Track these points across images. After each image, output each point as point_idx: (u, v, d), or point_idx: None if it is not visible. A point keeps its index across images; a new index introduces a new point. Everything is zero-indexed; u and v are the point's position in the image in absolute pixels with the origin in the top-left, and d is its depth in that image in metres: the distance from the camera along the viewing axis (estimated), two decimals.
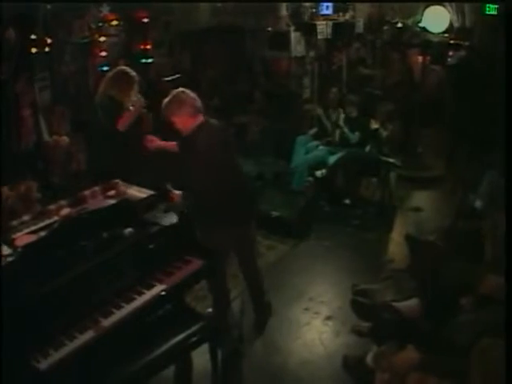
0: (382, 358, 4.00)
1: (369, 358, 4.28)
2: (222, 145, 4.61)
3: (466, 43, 10.72)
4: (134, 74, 5.44)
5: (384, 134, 7.97)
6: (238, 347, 4.71)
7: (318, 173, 7.77)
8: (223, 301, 4.94)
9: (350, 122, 8.11)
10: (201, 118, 4.59)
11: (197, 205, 4.55)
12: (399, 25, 11.25)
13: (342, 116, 8.18)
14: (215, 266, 3.87)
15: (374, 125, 8.00)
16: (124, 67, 5.65)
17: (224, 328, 4.74)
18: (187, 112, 4.54)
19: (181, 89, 4.69)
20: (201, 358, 4.03)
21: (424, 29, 9.14)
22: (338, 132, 8.19)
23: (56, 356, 2.90)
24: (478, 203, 6.43)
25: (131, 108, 5.33)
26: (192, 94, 4.62)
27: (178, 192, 4.73)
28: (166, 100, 4.62)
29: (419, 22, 9.22)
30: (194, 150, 4.49)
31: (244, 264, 5.06)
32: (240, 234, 4.82)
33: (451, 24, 9.83)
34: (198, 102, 4.61)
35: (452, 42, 10.88)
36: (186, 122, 4.56)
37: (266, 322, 5.22)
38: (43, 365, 2.83)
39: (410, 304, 4.54)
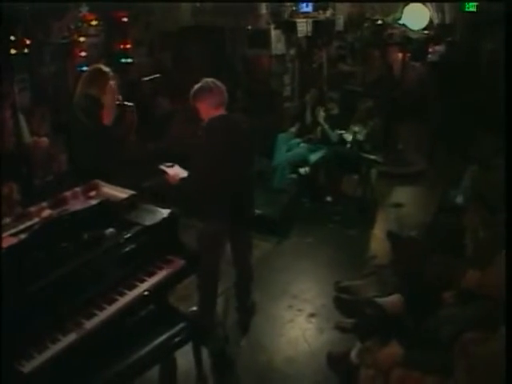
0: (366, 353, 4.02)
1: (353, 354, 4.29)
2: (237, 141, 4.62)
3: (446, 40, 10.79)
4: (107, 70, 5.46)
5: (364, 131, 7.99)
6: (223, 347, 4.71)
7: (302, 170, 7.79)
8: (210, 299, 4.94)
9: (331, 119, 8.13)
10: (222, 111, 4.61)
11: (198, 197, 4.68)
12: (379, 22, 11.29)
13: (322, 114, 8.20)
14: (197, 266, 3.86)
15: (354, 127, 8.03)
16: (98, 65, 5.65)
17: (210, 326, 4.77)
18: (211, 102, 4.57)
19: (211, 79, 4.69)
20: (185, 358, 4.03)
21: (404, 26, 9.19)
22: (318, 129, 8.21)
23: (40, 359, 2.87)
24: (459, 198, 6.47)
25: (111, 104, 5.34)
26: (221, 86, 4.64)
27: (173, 172, 4.71)
28: (196, 86, 4.65)
29: (399, 19, 9.27)
30: (207, 140, 4.56)
31: (239, 261, 5.08)
32: (237, 229, 4.84)
33: (431, 21, 9.90)
34: (224, 95, 4.63)
35: (432, 38, 10.94)
36: (208, 111, 4.60)
37: (250, 320, 5.24)
38: (27, 368, 2.81)
39: (392, 300, 4.56)
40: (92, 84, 5.35)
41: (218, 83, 4.64)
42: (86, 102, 5.30)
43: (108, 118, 5.29)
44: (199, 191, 4.59)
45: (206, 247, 4.57)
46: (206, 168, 4.49)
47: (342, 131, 8.00)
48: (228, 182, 4.55)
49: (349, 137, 7.84)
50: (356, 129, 7.98)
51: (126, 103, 5.56)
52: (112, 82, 5.39)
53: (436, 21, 10.56)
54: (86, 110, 5.27)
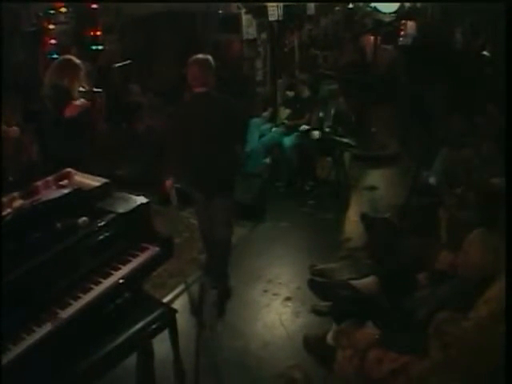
0: (342, 335, 4.05)
1: (329, 337, 4.32)
2: (218, 117, 4.92)
3: (417, 23, 10.85)
4: (78, 61, 5.42)
5: (330, 114, 8.01)
6: (199, 332, 4.72)
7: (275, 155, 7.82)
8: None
9: (301, 102, 8.16)
10: (206, 89, 4.93)
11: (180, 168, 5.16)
12: (350, 6, 11.31)
13: (287, 112, 8.27)
14: (171, 252, 3.86)
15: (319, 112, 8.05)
16: (69, 56, 5.60)
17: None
18: (203, 76, 4.91)
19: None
20: (162, 344, 4.03)
21: (375, 9, 9.20)
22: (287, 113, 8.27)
23: (15, 350, 2.85)
24: (432, 180, 6.53)
25: (80, 100, 5.31)
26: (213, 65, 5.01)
27: None
28: (198, 56, 5.01)
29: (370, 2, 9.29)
30: (189, 114, 5.01)
31: (217, 232, 5.28)
32: (217, 202, 5.12)
33: (402, 4, 9.92)
34: (212, 75, 4.98)
35: (403, 21, 11.00)
36: (196, 84, 4.93)
37: (226, 301, 5.33)
38: (3, 360, 2.78)
39: (367, 281, 4.59)
40: (60, 74, 5.30)
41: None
42: (54, 91, 5.26)
43: (71, 112, 5.25)
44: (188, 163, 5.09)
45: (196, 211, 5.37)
46: (193, 139, 4.93)
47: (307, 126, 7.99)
48: (214, 152, 4.95)
49: (315, 134, 7.82)
50: (321, 114, 7.99)
51: (94, 90, 5.52)
52: (82, 73, 5.36)
53: (407, 4, 10.60)
54: (52, 99, 5.24)
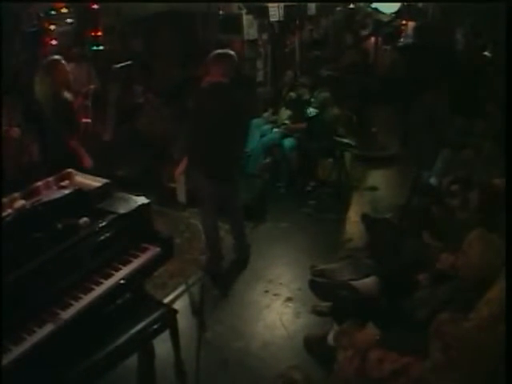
0: (343, 336, 4.05)
1: (330, 338, 4.32)
2: (230, 106, 5.29)
3: (418, 23, 10.83)
4: (63, 61, 5.57)
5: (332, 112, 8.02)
6: (199, 333, 4.72)
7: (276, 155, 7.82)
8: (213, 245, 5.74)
9: (302, 104, 8.16)
10: (222, 79, 5.27)
11: (192, 156, 5.33)
12: (351, 6, 11.30)
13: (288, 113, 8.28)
14: (172, 253, 3.86)
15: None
16: (54, 56, 5.66)
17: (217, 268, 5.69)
18: (225, 69, 5.28)
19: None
20: (163, 345, 4.04)
21: (376, 9, 9.20)
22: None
23: (16, 351, 2.86)
24: (433, 180, 6.53)
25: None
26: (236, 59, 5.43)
27: None
28: (222, 50, 5.45)
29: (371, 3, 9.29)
30: (204, 103, 5.29)
31: (228, 210, 5.80)
32: (227, 187, 5.56)
33: (403, 5, 9.92)
34: (233, 67, 5.38)
35: (404, 22, 10.99)
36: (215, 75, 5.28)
37: (247, 260, 5.94)
38: (4, 361, 2.79)
39: (368, 282, 4.59)
40: (49, 77, 5.40)
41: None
42: (50, 98, 5.35)
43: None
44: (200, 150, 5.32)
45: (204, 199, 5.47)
46: (206, 128, 5.24)
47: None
48: (225, 139, 5.28)
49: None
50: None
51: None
52: (69, 74, 5.46)
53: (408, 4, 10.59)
54: (52, 105, 5.34)
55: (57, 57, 5.56)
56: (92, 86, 6.02)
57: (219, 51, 5.41)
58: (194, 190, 5.49)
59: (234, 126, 5.40)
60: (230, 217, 5.93)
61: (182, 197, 5.46)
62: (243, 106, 5.60)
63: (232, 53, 5.42)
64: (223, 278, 5.66)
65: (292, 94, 8.47)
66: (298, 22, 10.33)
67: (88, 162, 5.56)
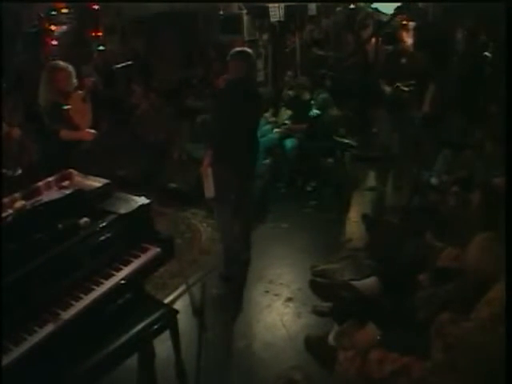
0: (344, 336, 4.05)
1: (330, 338, 4.32)
2: (253, 100, 5.52)
3: (419, 24, 10.80)
4: (65, 65, 5.53)
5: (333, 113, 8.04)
6: (200, 333, 4.71)
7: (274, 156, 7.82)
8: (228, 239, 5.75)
9: (302, 105, 8.16)
10: (241, 75, 5.37)
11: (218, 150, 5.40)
12: (352, 6, 11.27)
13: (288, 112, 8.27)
14: (172, 253, 3.86)
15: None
16: (56, 62, 5.65)
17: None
18: (244, 66, 5.36)
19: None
20: (163, 345, 4.04)
21: (376, 9, 9.18)
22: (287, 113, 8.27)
23: (16, 351, 2.86)
24: (434, 180, 6.53)
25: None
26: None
27: None
28: (240, 48, 5.64)
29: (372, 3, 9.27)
30: (228, 99, 5.44)
31: (241, 208, 5.73)
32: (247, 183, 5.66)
33: (403, 5, 9.89)
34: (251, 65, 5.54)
35: (404, 22, 10.95)
36: (234, 72, 5.42)
37: (249, 262, 5.93)
38: (4, 361, 2.79)
39: (368, 282, 4.60)
40: (49, 84, 5.41)
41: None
42: (50, 104, 5.37)
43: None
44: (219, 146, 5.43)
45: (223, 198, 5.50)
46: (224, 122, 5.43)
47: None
48: (240, 136, 5.39)
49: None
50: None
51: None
52: (73, 80, 5.45)
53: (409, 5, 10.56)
54: (50, 112, 5.37)
55: (62, 64, 5.54)
56: (92, 79, 5.97)
57: (238, 49, 5.56)
58: (216, 186, 5.49)
59: (257, 119, 5.74)
60: (242, 216, 5.85)
61: (209, 191, 5.48)
62: (263, 100, 5.97)
63: (250, 50, 5.55)
64: (237, 281, 5.63)
65: (292, 94, 8.46)
66: (298, 22, 10.33)
67: (88, 134, 5.64)
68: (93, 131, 5.59)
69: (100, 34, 8.56)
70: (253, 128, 5.62)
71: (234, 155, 5.35)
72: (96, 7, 8.37)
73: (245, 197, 5.73)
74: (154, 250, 3.68)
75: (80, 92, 5.59)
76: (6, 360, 2.80)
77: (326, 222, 6.89)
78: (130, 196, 3.85)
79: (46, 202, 3.49)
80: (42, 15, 7.52)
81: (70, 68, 5.51)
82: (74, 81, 5.53)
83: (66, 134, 5.47)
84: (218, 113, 5.60)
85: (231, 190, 5.52)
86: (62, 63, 5.56)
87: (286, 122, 8.22)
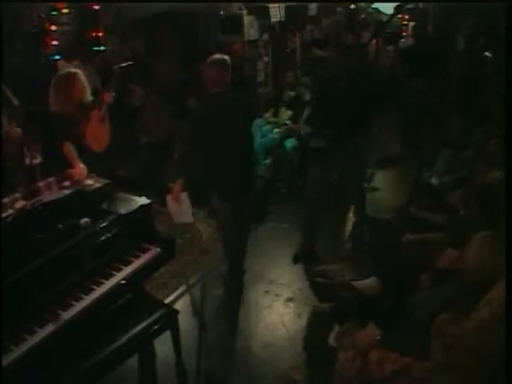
0: (344, 336, 4.04)
1: (331, 338, 4.32)
2: (233, 116, 5.00)
3: (419, 24, 10.81)
4: (77, 71, 5.22)
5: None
6: (200, 333, 4.72)
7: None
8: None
9: (302, 105, 8.16)
10: (221, 89, 4.94)
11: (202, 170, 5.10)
12: (352, 6, 11.28)
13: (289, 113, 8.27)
14: (173, 253, 3.86)
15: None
16: (70, 69, 5.45)
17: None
18: (221, 76, 4.92)
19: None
20: (163, 345, 4.04)
21: (377, 10, 9.19)
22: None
23: (17, 351, 2.86)
24: (434, 181, 6.53)
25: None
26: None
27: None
28: (218, 56, 5.04)
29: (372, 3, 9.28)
30: (206, 114, 5.01)
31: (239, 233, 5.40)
32: (239, 204, 5.15)
33: (404, 5, 9.91)
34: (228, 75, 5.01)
35: (405, 22, 10.97)
36: (213, 84, 4.96)
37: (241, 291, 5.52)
38: (4, 361, 2.80)
39: (369, 282, 4.59)
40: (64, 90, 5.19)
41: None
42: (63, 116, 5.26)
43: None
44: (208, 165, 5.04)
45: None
46: (208, 139, 4.91)
47: None
48: (231, 152, 4.97)
49: None
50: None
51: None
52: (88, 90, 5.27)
53: (409, 5, 10.58)
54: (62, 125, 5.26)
55: (73, 70, 5.23)
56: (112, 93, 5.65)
57: (211, 58, 5.04)
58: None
59: (239, 136, 5.11)
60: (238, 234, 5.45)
61: (187, 217, 5.21)
62: (248, 115, 5.39)
63: (225, 57, 5.04)
64: (242, 292, 5.51)
65: (293, 95, 8.47)
66: (298, 22, 10.34)
67: (80, 171, 4.64)
68: (84, 171, 5.15)
69: (100, 34, 8.56)
70: (242, 145, 5.15)
71: (224, 181, 5.08)
72: (96, 7, 8.37)
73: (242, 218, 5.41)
74: (154, 250, 3.69)
75: (98, 112, 5.23)
76: (6, 360, 2.80)
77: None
78: (130, 196, 3.86)
79: (47, 202, 3.49)
80: (42, 15, 7.52)
81: (83, 77, 5.28)
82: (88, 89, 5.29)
83: (67, 151, 5.00)
84: (197, 137, 5.04)
85: (226, 215, 5.23)
86: (76, 71, 5.21)
87: (287, 122, 8.22)
